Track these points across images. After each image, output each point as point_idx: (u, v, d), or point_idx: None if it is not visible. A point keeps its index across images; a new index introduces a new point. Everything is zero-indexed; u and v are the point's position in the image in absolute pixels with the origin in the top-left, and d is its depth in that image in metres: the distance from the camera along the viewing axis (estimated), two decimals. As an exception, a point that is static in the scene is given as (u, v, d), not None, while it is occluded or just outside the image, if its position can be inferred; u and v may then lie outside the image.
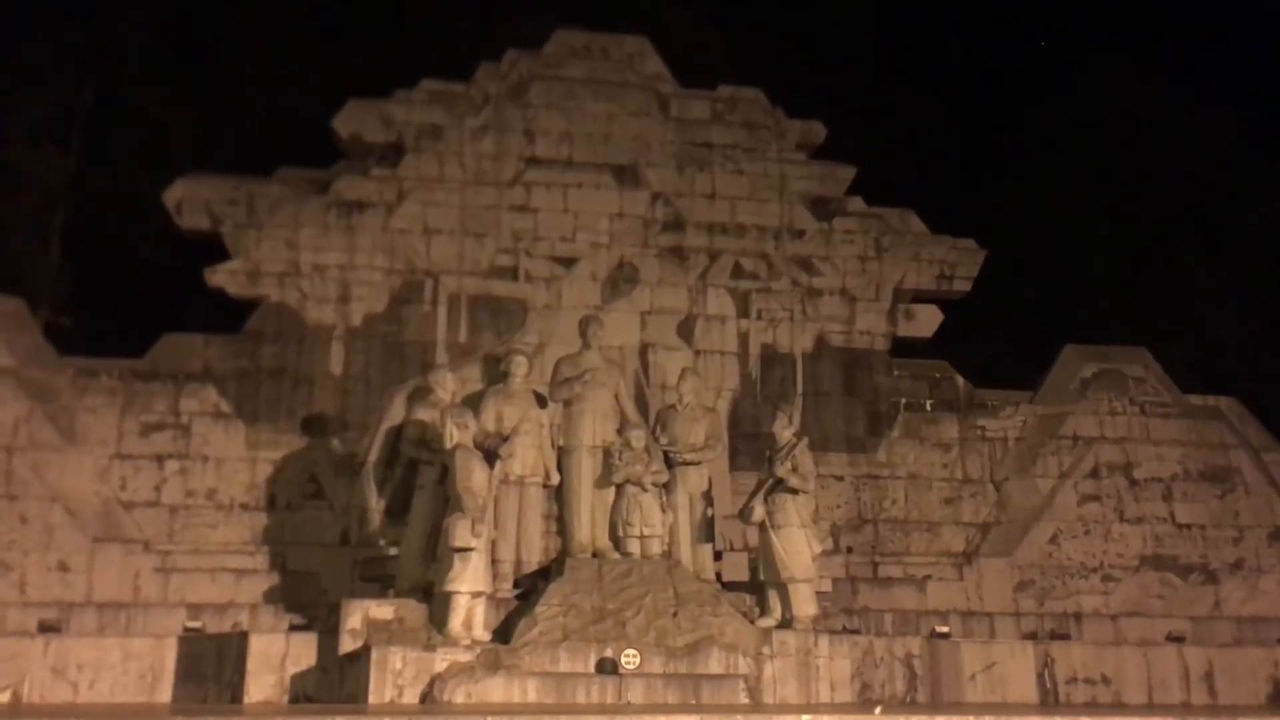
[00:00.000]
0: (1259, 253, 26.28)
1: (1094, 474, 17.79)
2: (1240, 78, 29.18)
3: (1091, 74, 28.38)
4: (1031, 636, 15.82)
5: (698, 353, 17.48)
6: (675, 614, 13.24)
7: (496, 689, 12.12)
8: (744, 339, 17.84)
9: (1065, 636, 15.97)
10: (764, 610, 13.99)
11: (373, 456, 15.73)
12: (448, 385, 14.72)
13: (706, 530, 14.89)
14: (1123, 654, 15.44)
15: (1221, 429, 18.38)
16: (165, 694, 13.48)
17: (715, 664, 12.84)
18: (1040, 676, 15.01)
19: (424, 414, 14.44)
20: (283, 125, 22.20)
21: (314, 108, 18.54)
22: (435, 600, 13.02)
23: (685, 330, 17.63)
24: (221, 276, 16.78)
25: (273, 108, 23.68)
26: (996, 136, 28.17)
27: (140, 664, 13.53)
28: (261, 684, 13.00)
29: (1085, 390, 18.39)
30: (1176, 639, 15.95)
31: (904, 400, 18.08)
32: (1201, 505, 17.81)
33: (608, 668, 12.55)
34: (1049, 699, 14.82)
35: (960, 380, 18.40)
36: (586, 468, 14.57)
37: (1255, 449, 18.42)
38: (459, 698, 12.02)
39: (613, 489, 14.35)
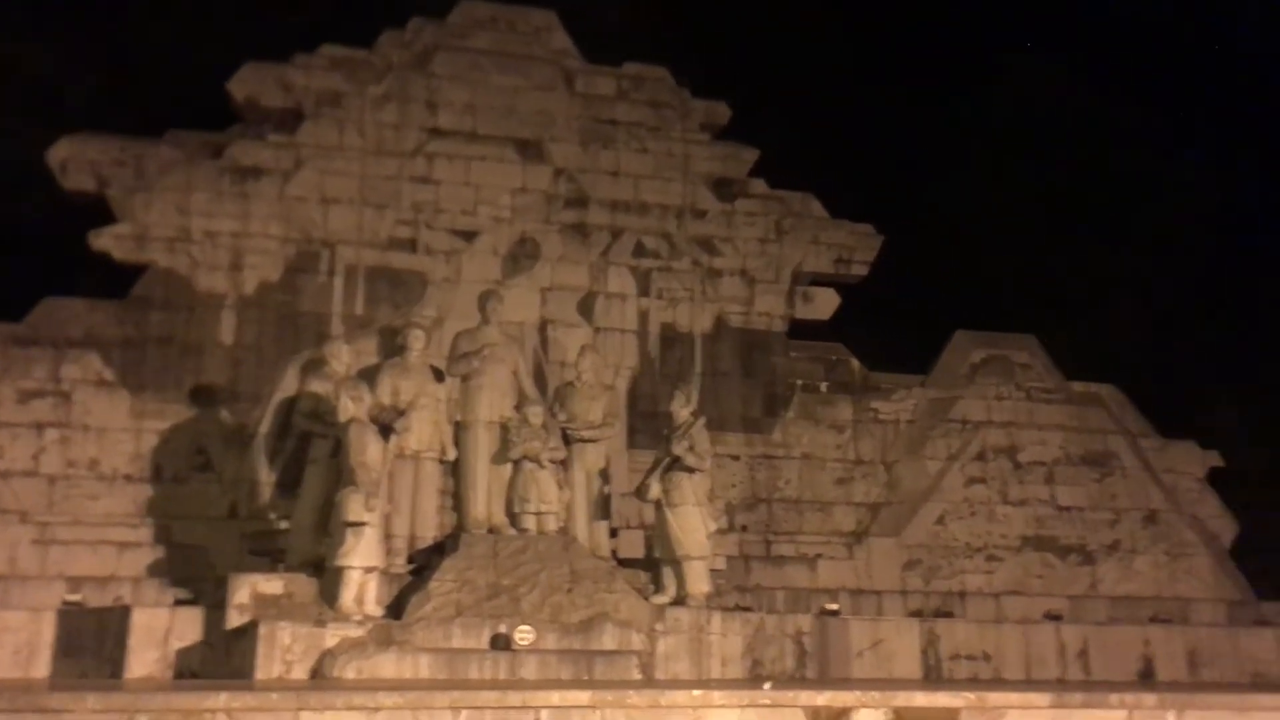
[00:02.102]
0: (1149, 247, 27.25)
1: (980, 457, 18.29)
2: (1140, 75, 30.09)
3: (994, 66, 29.04)
4: (917, 614, 16.24)
5: (597, 330, 17.48)
6: (570, 590, 13.28)
7: (388, 665, 12.03)
8: (644, 317, 17.89)
9: (949, 614, 16.43)
10: (658, 587, 14.10)
11: (264, 428, 15.45)
12: (343, 357, 14.46)
13: (603, 507, 14.95)
14: (1003, 632, 15.95)
15: (1102, 415, 19.05)
16: (42, 669, 13.07)
17: (609, 640, 12.93)
18: (924, 653, 15.44)
19: (318, 386, 14.19)
20: (176, 86, 21.49)
21: (209, 69, 17.98)
22: (326, 575, 12.84)
23: (585, 307, 17.61)
24: (107, 240, 16.21)
25: (166, 68, 22.91)
26: (898, 123, 28.64)
27: (15, 638, 13.08)
28: (144, 659, 12.69)
29: (974, 375, 18.89)
30: (1054, 617, 16.53)
31: (800, 382, 18.34)
32: (1081, 488, 18.45)
33: (501, 644, 12.55)
34: (932, 675, 15.25)
35: (855, 363, 18.74)
36: (483, 443, 14.50)
37: (1133, 435, 19.14)
38: (349, 673, 11.89)
39: (509, 465, 14.31)
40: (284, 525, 14.30)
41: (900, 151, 28.45)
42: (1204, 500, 19.22)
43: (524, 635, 12.54)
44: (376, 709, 9.61)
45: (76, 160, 16.29)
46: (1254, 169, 28.55)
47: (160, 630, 12.84)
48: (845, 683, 13.38)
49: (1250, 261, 27.55)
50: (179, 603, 13.63)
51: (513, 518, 14.20)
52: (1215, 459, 19.50)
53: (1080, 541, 18.20)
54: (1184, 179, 27.69)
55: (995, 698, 11.11)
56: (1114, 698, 11.42)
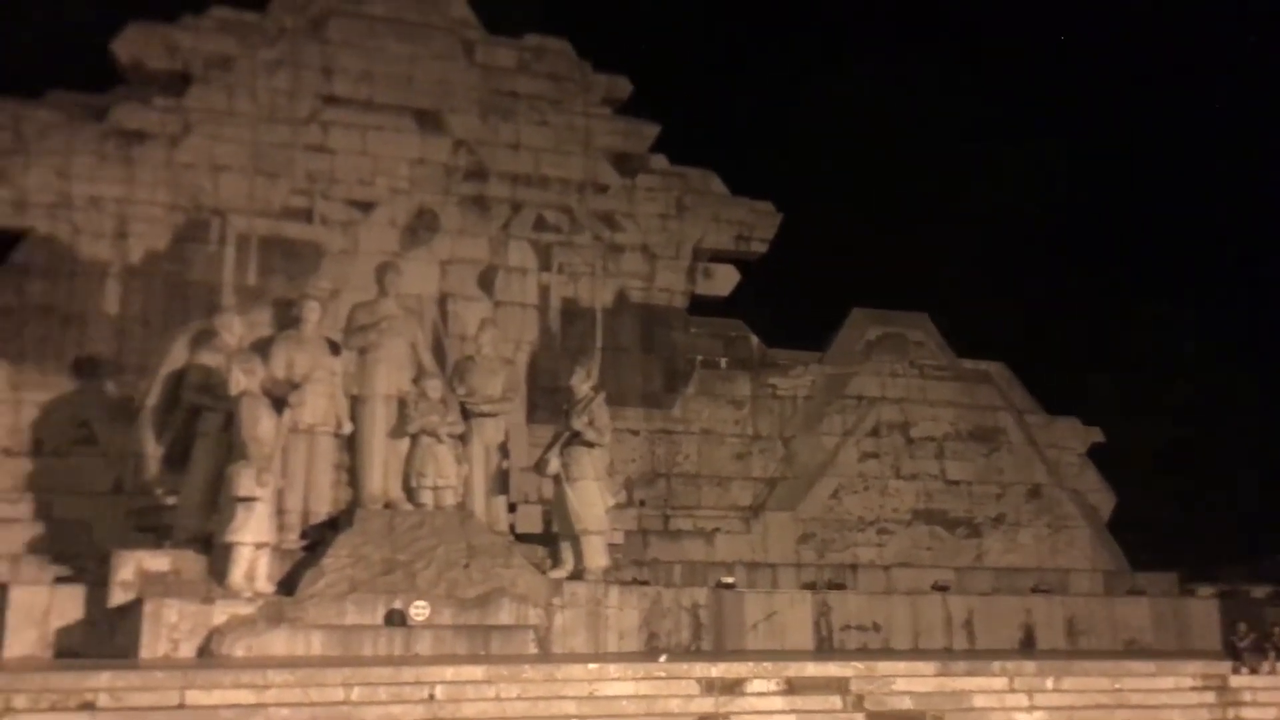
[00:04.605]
0: (1037, 229, 28.05)
1: (874, 432, 18.65)
2: (1014, 67, 30.84)
3: (893, 51, 29.52)
4: (811, 587, 16.53)
5: (498, 304, 17.36)
6: (467, 565, 13.20)
7: (279, 642, 11.83)
8: (545, 292, 17.81)
9: (841, 587, 16.76)
10: (556, 562, 14.10)
11: (151, 401, 14.92)
12: (235, 329, 14.12)
13: (501, 482, 14.88)
14: (892, 602, 16.34)
15: (990, 392, 19.57)
16: (-88, 650, 12.54)
17: (506, 615, 12.90)
18: (817, 624, 15.73)
19: (208, 358, 13.83)
20: (56, 45, 20.64)
21: (91, 28, 17.31)
22: (216, 551, 12.57)
23: (485, 281, 17.47)
24: (-18, 205, 15.53)
25: (46, 26, 21.98)
26: (799, 103, 28.95)
27: (-116, 618, 12.53)
28: (22, 638, 12.27)
29: (870, 352, 19.24)
30: (941, 588, 16.97)
31: (700, 358, 18.49)
32: (969, 463, 18.96)
33: (396, 619, 12.43)
34: (824, 645, 15.55)
35: (754, 339, 18.94)
36: (380, 417, 14.30)
37: (1019, 411, 19.71)
38: (239, 651, 11.67)
39: (407, 439, 14.14)
40: (172, 500, 13.90)
41: (801, 131, 28.76)
42: (1084, 475, 19.93)
43: (419, 611, 12.44)
44: (266, 687, 9.46)
45: (-51, 120, 15.57)
46: (1125, 157, 29.64)
47: (40, 608, 12.43)
48: (739, 654, 13.58)
49: (1130, 245, 28.59)
50: (60, 580, 13.17)
51: (410, 493, 14.05)
52: (1096, 435, 20.22)
53: (968, 515, 18.71)
54: (1066, 164, 28.59)
55: (883, 667, 11.38)
56: (996, 665, 11.80)
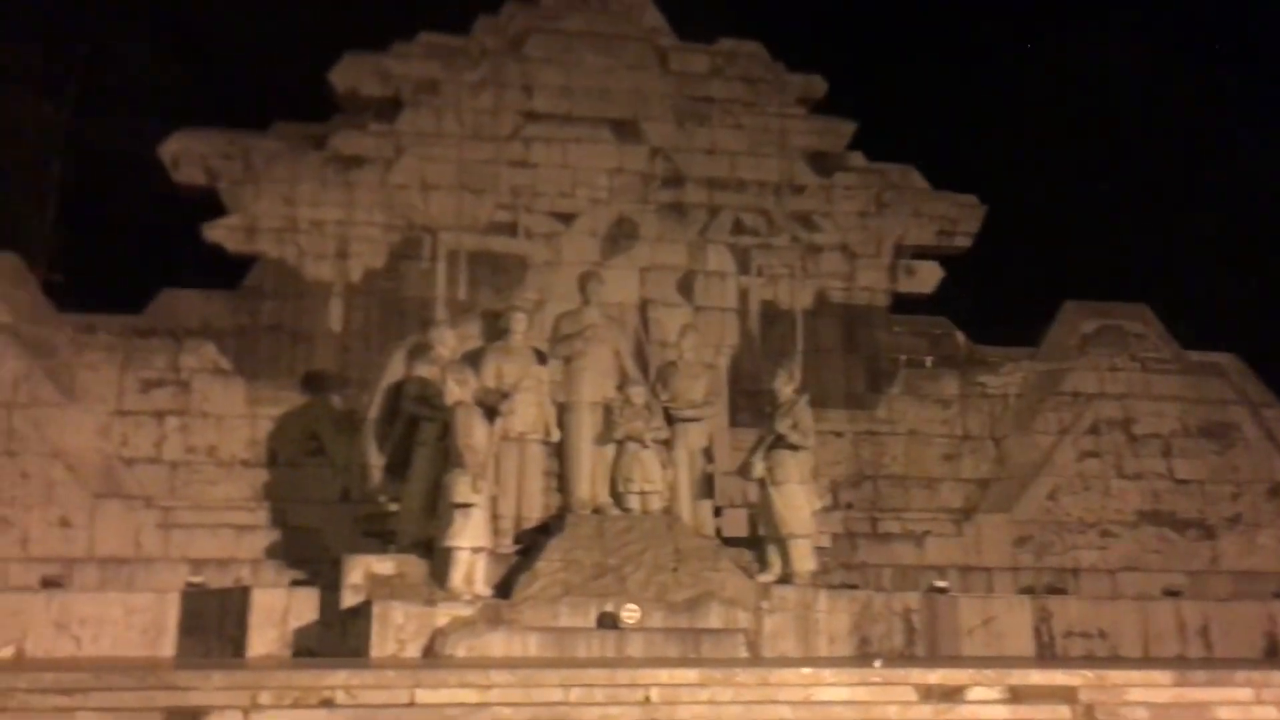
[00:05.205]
0: (1258, 212, 26.21)
1: (1093, 430, 17.80)
2: (1231, 39, 28.88)
3: (1098, 32, 28.13)
4: (1029, 591, 15.91)
5: (698, 309, 17.43)
6: (675, 569, 13.30)
7: (497, 643, 12.20)
8: (744, 295, 17.78)
9: (1062, 591, 16.06)
10: (763, 565, 14.05)
11: (373, 413, 15.72)
12: (448, 341, 14.68)
13: (706, 486, 14.94)
14: (1119, 608, 15.55)
15: (1222, 385, 18.38)
16: (168, 648, 13.56)
17: (715, 619, 12.92)
18: (1037, 630, 15.12)
19: (424, 370, 14.41)
20: (278, 78, 21.95)
21: (310, 60, 18.33)
22: (436, 556, 13.07)
23: (685, 286, 17.57)
24: (219, 232, 16.68)
25: (268, 60, 23.41)
26: (997, 90, 27.92)
27: (142, 618, 13.59)
28: (264, 638, 13.09)
29: (1085, 347, 18.38)
30: (1173, 593, 16.04)
31: (904, 357, 18.05)
32: (1200, 461, 17.85)
33: (608, 622, 12.63)
34: (1045, 653, 14.94)
35: (961, 337, 18.38)
36: (587, 424, 14.58)
37: (1255, 405, 18.43)
38: (460, 651, 12.09)
39: (613, 445, 14.37)
40: (394, 507, 14.56)
41: (1004, 117, 27.74)
42: (1332, 471, 18.46)
43: (630, 614, 12.59)
44: (489, 687, 9.73)
45: (187, 154, 16.79)
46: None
47: (279, 610, 13.23)
48: (958, 660, 13.17)
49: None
50: (296, 583, 14.01)
51: (617, 498, 14.27)
52: (1344, 428, 18.70)
53: (1200, 515, 17.61)
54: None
55: (1116, 676, 10.80)
56: (1240, 675, 11.03)
